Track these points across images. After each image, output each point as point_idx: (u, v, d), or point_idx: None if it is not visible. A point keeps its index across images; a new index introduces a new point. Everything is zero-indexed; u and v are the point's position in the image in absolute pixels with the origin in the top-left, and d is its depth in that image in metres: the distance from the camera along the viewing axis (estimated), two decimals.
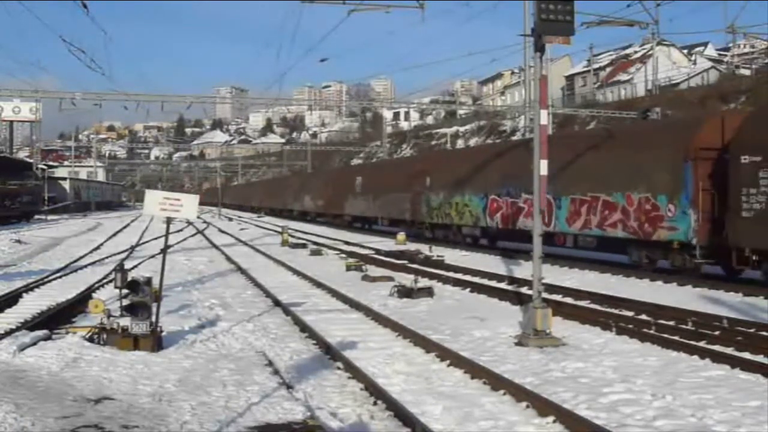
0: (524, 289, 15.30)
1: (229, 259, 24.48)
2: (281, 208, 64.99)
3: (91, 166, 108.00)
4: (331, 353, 9.85)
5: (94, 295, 14.42)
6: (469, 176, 27.23)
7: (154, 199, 10.10)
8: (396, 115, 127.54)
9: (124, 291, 9.99)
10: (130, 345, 9.60)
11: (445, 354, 9.64)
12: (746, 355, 9.44)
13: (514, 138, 54.96)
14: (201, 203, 10.73)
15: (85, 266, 21.38)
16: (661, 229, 17.80)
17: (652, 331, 11.15)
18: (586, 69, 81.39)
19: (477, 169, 26.86)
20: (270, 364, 9.18)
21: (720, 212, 16.21)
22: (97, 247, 28.75)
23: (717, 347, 9.95)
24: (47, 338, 10.26)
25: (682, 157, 17.25)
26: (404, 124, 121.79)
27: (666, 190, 17.78)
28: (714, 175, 16.60)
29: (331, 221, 48.23)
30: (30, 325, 11.39)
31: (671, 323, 11.69)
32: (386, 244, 29.60)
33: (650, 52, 65.40)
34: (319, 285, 17.36)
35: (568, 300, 14.39)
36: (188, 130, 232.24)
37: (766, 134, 15.00)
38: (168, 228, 10.29)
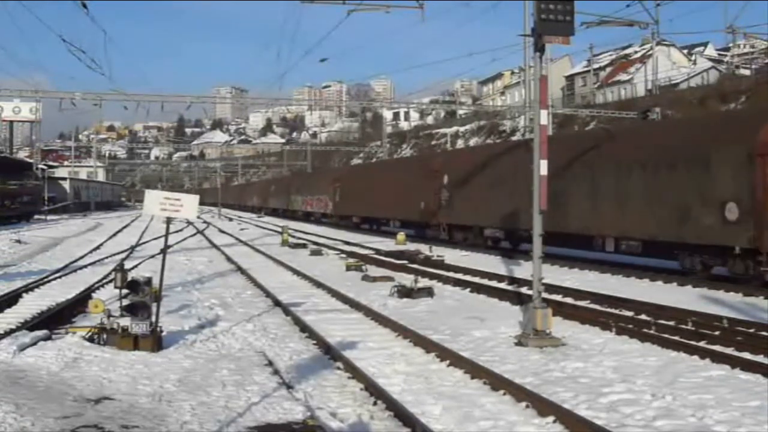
0: (524, 289, 15.30)
1: (229, 259, 24.48)
2: (244, 205, 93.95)
3: (91, 166, 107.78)
4: (331, 353, 9.85)
5: (94, 295, 14.41)
6: (301, 187, 59.91)
7: (155, 199, 10.10)
8: (396, 115, 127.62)
9: (124, 291, 9.99)
10: (130, 345, 9.59)
11: (445, 354, 9.63)
12: (746, 355, 9.43)
13: (514, 138, 56.11)
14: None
15: (85, 266, 21.36)
16: (326, 209, 48.44)
17: (652, 331, 11.14)
18: (586, 69, 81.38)
19: (304, 184, 59.89)
20: (270, 364, 9.18)
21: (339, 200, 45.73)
22: (97, 247, 28.74)
23: (717, 347, 9.94)
24: (47, 338, 10.25)
25: (331, 182, 46.84)
26: (404, 124, 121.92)
27: (328, 193, 47.28)
28: (335, 188, 45.49)
29: (261, 211, 76.46)
30: (30, 325, 11.38)
31: (671, 323, 11.68)
32: (386, 244, 29.63)
33: (650, 52, 65.41)
34: (319, 285, 17.35)
35: (568, 300, 14.38)
36: (188, 130, 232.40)
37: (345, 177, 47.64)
38: (168, 228, 10.29)
